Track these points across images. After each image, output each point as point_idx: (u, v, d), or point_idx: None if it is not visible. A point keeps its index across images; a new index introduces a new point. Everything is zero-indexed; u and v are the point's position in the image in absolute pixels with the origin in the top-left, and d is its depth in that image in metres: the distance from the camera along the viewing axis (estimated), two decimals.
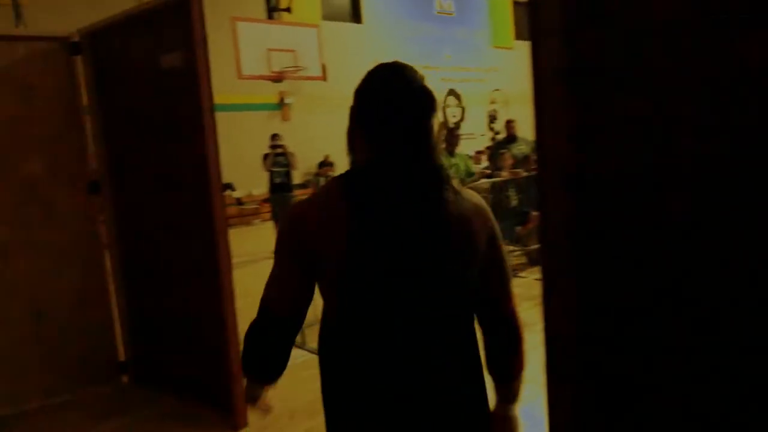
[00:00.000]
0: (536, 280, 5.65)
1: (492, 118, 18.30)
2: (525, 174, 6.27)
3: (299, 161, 8.87)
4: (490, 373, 1.28)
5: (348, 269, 1.13)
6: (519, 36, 18.89)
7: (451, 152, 5.79)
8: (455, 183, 1.18)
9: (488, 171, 6.65)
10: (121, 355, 3.40)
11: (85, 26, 3.21)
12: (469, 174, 5.83)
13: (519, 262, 6.46)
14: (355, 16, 14.83)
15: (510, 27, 18.49)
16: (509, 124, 7.55)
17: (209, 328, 2.83)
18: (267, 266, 1.25)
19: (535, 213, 6.21)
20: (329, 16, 14.10)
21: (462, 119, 17.31)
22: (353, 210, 1.12)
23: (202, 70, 2.72)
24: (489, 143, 16.55)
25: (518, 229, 6.24)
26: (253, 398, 1.30)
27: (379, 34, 15.05)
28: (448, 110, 16.94)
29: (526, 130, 11.02)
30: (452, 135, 6.00)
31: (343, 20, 14.57)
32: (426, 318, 1.16)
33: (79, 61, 3.22)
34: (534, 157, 6.90)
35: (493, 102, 18.30)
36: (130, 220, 3.26)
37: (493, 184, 6.08)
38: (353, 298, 1.17)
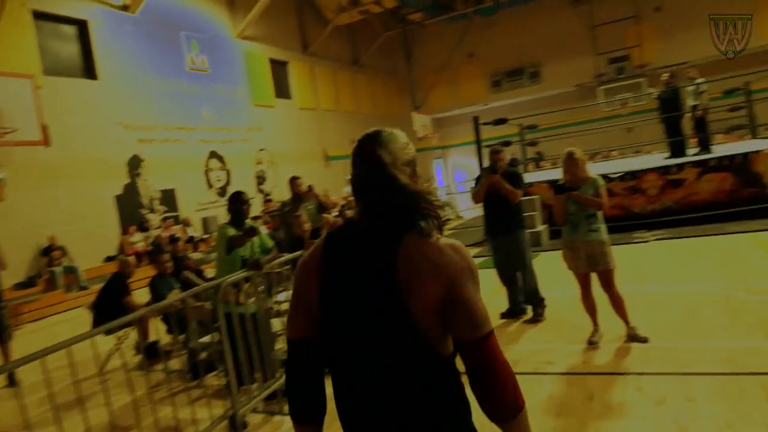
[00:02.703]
0: None
1: (261, 180, 17.12)
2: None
3: (19, 251, 6.43)
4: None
5: (321, 310, 1.34)
6: (279, 94, 18.26)
7: (240, 224, 4.36)
8: (423, 232, 1.26)
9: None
10: None
11: None
12: (266, 250, 4.47)
13: None
14: (88, 70, 12.44)
15: (270, 84, 17.75)
16: (294, 181, 6.40)
17: None
18: None
19: None
20: (53, 70, 11.53)
21: (228, 183, 15.77)
22: (324, 260, 1.35)
23: None
24: (265, 207, 15.32)
25: None
26: None
27: (122, 92, 12.86)
28: (212, 174, 15.27)
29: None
30: (239, 204, 4.51)
31: (72, 75, 12.08)
32: (381, 358, 1.27)
33: None
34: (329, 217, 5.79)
35: (259, 162, 17.17)
36: None
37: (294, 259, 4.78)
38: (326, 333, 1.35)
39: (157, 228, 13.15)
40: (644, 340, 4.23)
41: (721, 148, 10.74)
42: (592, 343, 4.36)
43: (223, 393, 4.09)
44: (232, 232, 4.27)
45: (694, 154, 9.91)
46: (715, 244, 7.35)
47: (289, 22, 19.24)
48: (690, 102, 10.09)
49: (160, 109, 13.86)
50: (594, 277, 4.41)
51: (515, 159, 15.75)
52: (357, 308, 1.27)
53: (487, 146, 11.88)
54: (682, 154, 10.09)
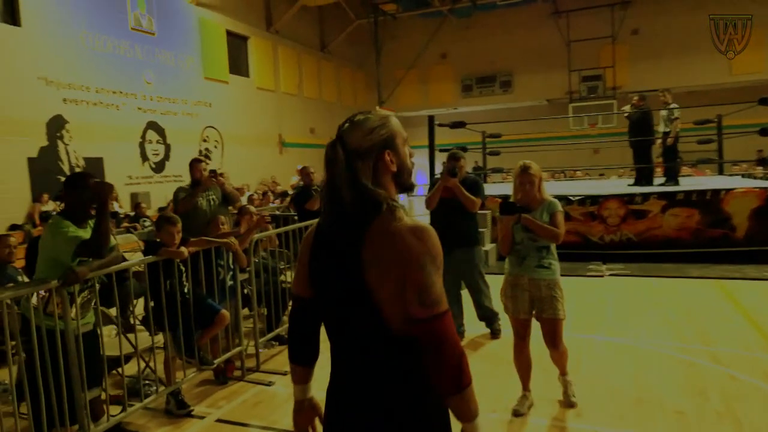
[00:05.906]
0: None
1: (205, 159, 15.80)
2: (205, 246, 4.01)
3: None
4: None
5: (310, 278, 1.51)
6: (235, 70, 16.95)
7: (80, 219, 3.16)
8: (391, 215, 1.35)
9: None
10: None
11: None
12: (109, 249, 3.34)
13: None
14: (11, 14, 10.96)
15: (224, 58, 16.42)
16: (196, 165, 5.27)
17: None
18: None
19: (224, 312, 3.95)
20: None
21: (166, 158, 14.43)
22: (314, 235, 1.50)
23: None
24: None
25: (198, 335, 3.85)
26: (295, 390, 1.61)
27: (49, 43, 11.40)
28: (148, 147, 13.91)
29: (245, 175, 8.95)
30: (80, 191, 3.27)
31: None
32: (347, 329, 1.42)
33: None
34: (243, 213, 4.65)
35: (205, 140, 15.86)
36: None
37: (165, 263, 3.65)
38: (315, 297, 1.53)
39: None
40: (572, 405, 3.43)
41: (688, 181, 10.08)
42: (518, 414, 3.40)
43: None
44: (80, 233, 3.09)
45: (660, 184, 9.20)
46: (675, 287, 6.55)
47: None
48: (662, 128, 9.37)
49: (94, 68, 12.42)
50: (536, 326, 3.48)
51: (479, 166, 14.98)
52: (331, 284, 1.41)
53: (443, 150, 11.02)
54: (649, 182, 9.37)
